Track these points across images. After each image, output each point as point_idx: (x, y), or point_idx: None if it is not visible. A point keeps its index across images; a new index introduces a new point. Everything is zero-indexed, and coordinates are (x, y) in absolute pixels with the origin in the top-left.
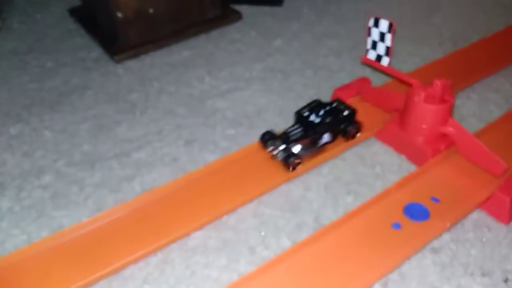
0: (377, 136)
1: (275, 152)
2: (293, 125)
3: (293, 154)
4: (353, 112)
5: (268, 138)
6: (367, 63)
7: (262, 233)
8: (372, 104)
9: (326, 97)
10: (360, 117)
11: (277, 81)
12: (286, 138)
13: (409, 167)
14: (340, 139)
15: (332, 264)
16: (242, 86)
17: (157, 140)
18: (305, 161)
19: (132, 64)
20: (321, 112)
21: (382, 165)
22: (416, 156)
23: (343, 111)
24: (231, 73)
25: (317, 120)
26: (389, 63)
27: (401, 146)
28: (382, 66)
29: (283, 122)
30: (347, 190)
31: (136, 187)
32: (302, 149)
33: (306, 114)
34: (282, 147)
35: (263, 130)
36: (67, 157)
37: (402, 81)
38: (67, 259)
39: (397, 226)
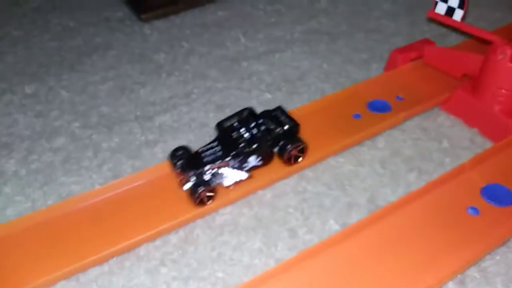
0: (442, 106)
1: (181, 179)
2: (212, 142)
3: (204, 183)
4: (295, 126)
5: (179, 158)
6: (434, 19)
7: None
8: (437, 69)
9: (379, 61)
10: (422, 84)
11: (323, 44)
12: (199, 159)
13: (484, 143)
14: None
15: (391, 255)
16: (282, 48)
17: (184, 104)
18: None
19: (160, 24)
20: (251, 125)
21: (450, 139)
22: (492, 129)
23: (282, 124)
24: (270, 35)
25: (245, 135)
26: (463, 18)
27: (473, 118)
28: (453, 21)
29: (329, 88)
30: (408, 167)
31: (158, 153)
32: (217, 176)
33: (229, 127)
34: (191, 173)
35: (305, 96)
36: (84, 118)
37: (479, 39)
38: (74, 231)
39: (474, 211)
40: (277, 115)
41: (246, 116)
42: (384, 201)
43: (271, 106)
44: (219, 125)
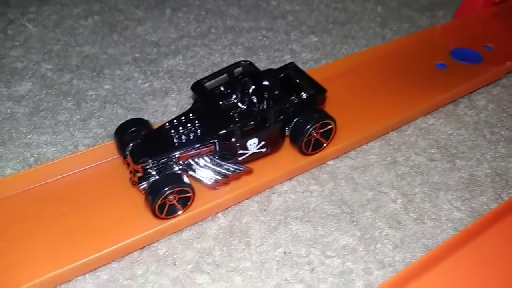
0: None
1: (139, 179)
2: (185, 114)
3: (170, 180)
4: (319, 93)
5: (131, 139)
6: None
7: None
8: None
9: (444, 8)
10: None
11: None
12: (164, 141)
13: None
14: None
15: None
16: None
17: (200, 45)
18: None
19: None
20: (249, 89)
21: None
22: None
23: (299, 88)
24: None
25: (239, 105)
26: None
27: None
28: None
29: (391, 34)
30: None
31: (171, 104)
32: (193, 169)
33: (214, 91)
34: (150, 162)
35: (362, 41)
36: (59, 59)
37: None
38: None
39: None
40: (289, 75)
41: (242, 75)
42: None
43: (319, 51)
44: (197, 86)
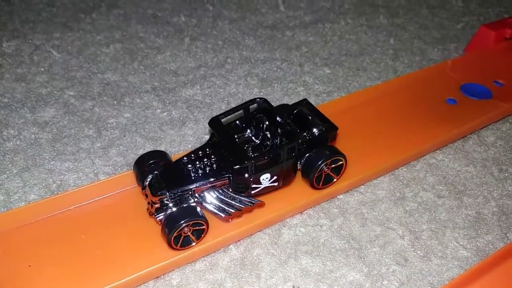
0: None
1: (156, 210)
2: (202, 148)
3: (186, 213)
4: (331, 130)
5: (150, 170)
6: None
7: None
8: None
9: (456, 41)
10: None
11: (383, 17)
12: (181, 174)
13: None
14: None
15: None
16: (332, 19)
17: (217, 75)
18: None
19: None
20: (263, 124)
21: None
22: None
23: (312, 125)
24: (312, 3)
25: (253, 139)
26: None
27: None
28: None
29: (402, 67)
30: None
31: (188, 134)
32: (208, 201)
33: (230, 126)
34: (167, 195)
35: (374, 74)
36: (82, 86)
37: None
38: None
39: None
40: (302, 111)
41: (256, 111)
42: None
43: (331, 83)
44: (214, 122)
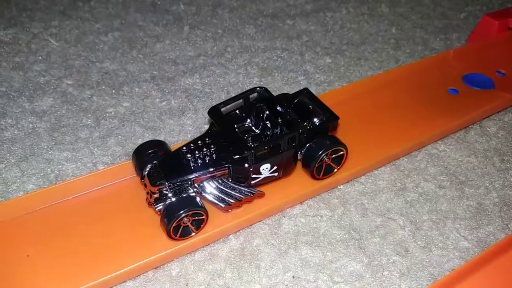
0: None
1: (155, 200)
2: (201, 138)
3: (186, 202)
4: (332, 120)
5: (148, 160)
6: None
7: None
8: None
9: (459, 31)
10: None
11: (385, 6)
12: (180, 163)
13: None
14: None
15: None
16: (333, 7)
17: (216, 64)
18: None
19: None
20: (264, 114)
21: None
22: None
23: (312, 114)
24: None
25: (253, 129)
26: None
27: None
28: None
29: (404, 56)
30: None
31: (187, 124)
32: (208, 191)
33: (232, 114)
34: (166, 185)
35: (375, 63)
36: (80, 75)
37: None
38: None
39: None
40: (303, 101)
41: (257, 100)
42: None
43: (332, 73)
44: (214, 112)
